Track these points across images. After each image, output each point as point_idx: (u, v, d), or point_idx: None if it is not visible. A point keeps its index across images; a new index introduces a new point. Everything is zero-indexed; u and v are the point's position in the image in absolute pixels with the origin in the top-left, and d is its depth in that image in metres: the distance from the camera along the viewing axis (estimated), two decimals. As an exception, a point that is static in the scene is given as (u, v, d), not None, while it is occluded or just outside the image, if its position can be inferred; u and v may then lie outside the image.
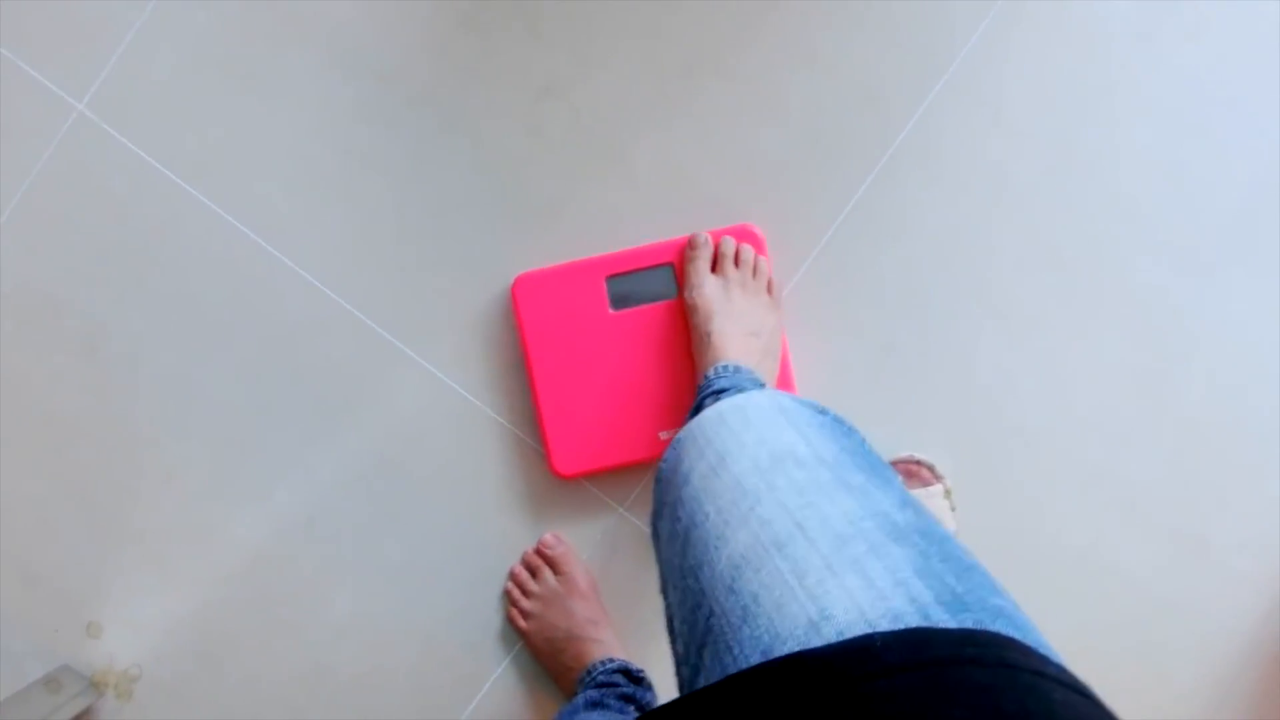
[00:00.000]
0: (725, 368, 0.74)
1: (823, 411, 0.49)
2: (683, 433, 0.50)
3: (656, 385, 0.83)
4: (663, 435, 0.83)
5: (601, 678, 0.78)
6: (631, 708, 0.76)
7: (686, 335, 0.82)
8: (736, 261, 0.81)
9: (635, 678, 0.79)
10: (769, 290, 0.81)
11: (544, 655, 0.84)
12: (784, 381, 0.83)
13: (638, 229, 0.84)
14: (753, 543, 0.38)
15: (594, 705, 0.74)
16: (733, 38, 0.82)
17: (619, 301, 0.83)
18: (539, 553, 0.85)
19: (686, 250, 0.82)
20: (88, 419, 0.88)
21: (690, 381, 0.82)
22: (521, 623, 0.85)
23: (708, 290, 0.79)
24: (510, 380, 0.86)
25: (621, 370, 0.82)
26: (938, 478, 0.85)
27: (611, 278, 0.83)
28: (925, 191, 0.84)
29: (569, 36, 0.82)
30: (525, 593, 0.85)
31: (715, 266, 0.81)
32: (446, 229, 0.85)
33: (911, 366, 0.86)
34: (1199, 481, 0.86)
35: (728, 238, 0.81)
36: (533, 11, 0.82)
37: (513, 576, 0.86)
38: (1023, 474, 0.86)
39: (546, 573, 0.85)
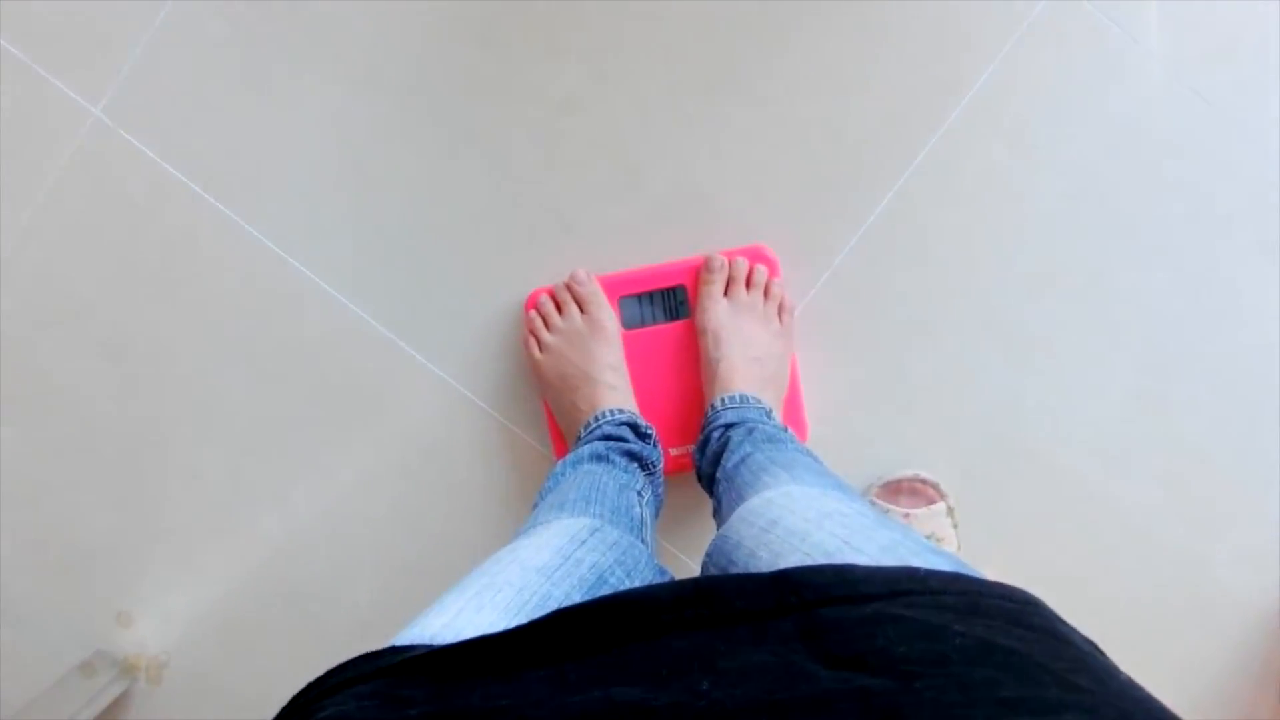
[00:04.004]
0: (732, 398, 0.81)
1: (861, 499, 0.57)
2: (725, 527, 0.58)
3: (667, 404, 0.90)
4: (673, 452, 0.91)
5: (609, 428, 0.80)
6: (636, 466, 0.79)
7: (698, 356, 0.89)
8: (749, 284, 0.87)
9: (643, 434, 0.82)
10: (780, 316, 0.88)
11: (553, 391, 0.87)
12: (792, 404, 0.91)
13: (651, 246, 0.91)
14: (803, 560, 0.45)
15: (599, 459, 0.76)
16: (753, 57, 0.87)
17: (631, 321, 0.90)
18: (568, 287, 0.88)
19: (701, 272, 0.88)
20: (114, 420, 0.97)
21: (701, 401, 0.89)
22: (537, 353, 0.87)
23: (719, 315, 0.86)
24: (523, 389, 0.94)
25: (633, 387, 0.89)
26: (941, 496, 0.93)
27: (624, 297, 0.90)
28: (939, 215, 0.90)
29: (588, 53, 0.88)
30: (548, 325, 0.87)
31: (727, 289, 0.87)
32: (462, 243, 0.92)
33: (919, 387, 0.93)
34: (1198, 502, 0.94)
35: (740, 259, 0.87)
36: (552, 27, 0.87)
37: (537, 307, 0.88)
38: (1025, 494, 0.95)
39: (573, 309, 0.87)
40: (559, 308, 0.89)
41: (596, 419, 0.82)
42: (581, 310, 0.88)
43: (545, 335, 0.88)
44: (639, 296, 0.90)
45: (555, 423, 0.92)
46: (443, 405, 0.96)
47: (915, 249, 0.91)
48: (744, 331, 0.86)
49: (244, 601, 1.01)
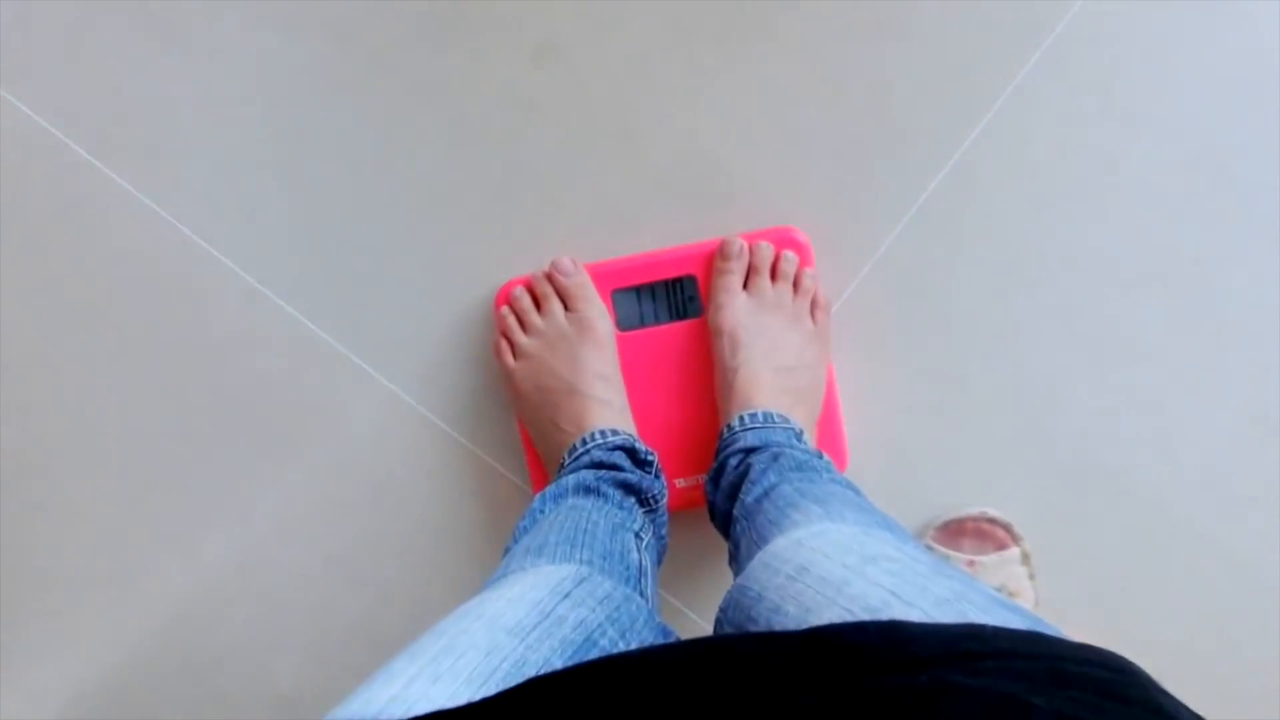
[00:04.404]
0: (753, 417, 0.81)
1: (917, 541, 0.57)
2: (743, 575, 0.58)
3: (673, 424, 0.90)
4: (680, 483, 0.91)
5: (600, 454, 0.80)
6: (633, 500, 0.78)
7: (711, 364, 0.89)
8: (774, 275, 0.88)
9: (642, 460, 0.82)
10: (813, 314, 0.88)
11: (530, 407, 0.87)
12: (829, 424, 0.91)
13: (652, 228, 0.91)
14: (841, 615, 0.46)
15: (587, 491, 0.76)
16: (778, -7, 0.87)
17: (628, 320, 0.90)
18: (549, 279, 0.88)
19: (716, 260, 0.88)
20: (-24, 444, 0.96)
21: (714, 420, 0.89)
22: (510, 360, 0.87)
23: (737, 313, 0.86)
24: (493, 405, 0.94)
25: (630, 404, 0.89)
26: (1015, 539, 0.93)
27: (619, 291, 0.90)
28: (1010, 191, 0.90)
29: (572, -13, 0.88)
30: (524, 326, 0.88)
31: (747, 281, 0.88)
32: (415, 223, 0.92)
33: (985, 404, 0.93)
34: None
35: (764, 243, 0.88)
36: (527, -44, 0.87)
37: (511, 303, 0.88)
38: (1119, 539, 0.94)
39: (555, 305, 0.87)
40: (538, 304, 0.89)
41: (584, 442, 0.82)
42: (566, 307, 0.88)
43: (521, 338, 0.88)
44: (638, 290, 0.90)
45: (532, 447, 0.91)
46: (392, 425, 0.95)
47: (980, 232, 0.91)
48: (768, 333, 0.87)
49: (139, 673, 1.00)
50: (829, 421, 0.91)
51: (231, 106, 0.92)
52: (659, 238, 0.91)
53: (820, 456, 0.79)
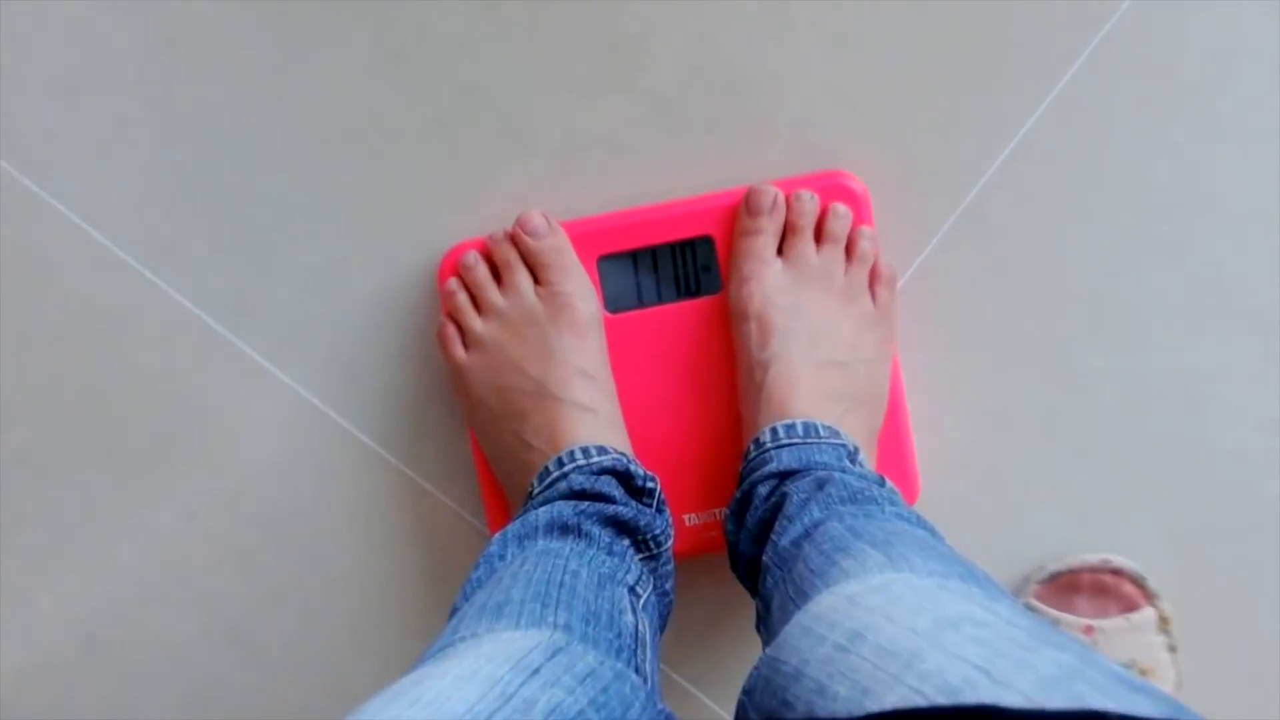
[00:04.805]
0: (790, 429, 0.80)
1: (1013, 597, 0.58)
2: (775, 644, 0.57)
3: (681, 438, 0.89)
4: (690, 520, 0.89)
5: (581, 479, 0.79)
6: (627, 543, 0.79)
7: (732, 357, 0.88)
8: (820, 236, 0.86)
9: (638, 488, 0.82)
10: (872, 289, 0.86)
11: (487, 416, 0.88)
12: (893, 439, 0.89)
13: (654, 175, 0.89)
14: (910, 698, 0.44)
15: (564, 531, 0.76)
16: None
17: (620, 298, 0.88)
18: (514, 241, 0.87)
19: (740, 216, 0.86)
20: None
21: (737, 433, 0.88)
22: (460, 353, 0.88)
23: (769, 287, 0.84)
24: (432, 414, 0.93)
25: (623, 412, 0.87)
26: (1148, 598, 0.91)
27: (608, 258, 0.88)
28: (1143, 121, 0.88)
29: None
30: (479, 305, 0.88)
31: (783, 245, 0.86)
32: (330, 165, 0.90)
33: (1107, 412, 0.91)
34: None
35: (806, 193, 0.85)
36: None
37: (461, 274, 0.89)
38: None
39: (522, 278, 0.87)
40: (498, 275, 0.88)
41: (560, 463, 0.81)
42: (536, 279, 0.87)
43: (474, 322, 0.87)
44: (634, 256, 0.89)
45: (488, 470, 0.91)
46: (297, 440, 0.95)
47: (1099, 180, 0.89)
48: (811, 316, 0.85)
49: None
50: (893, 436, 0.90)
51: (81, 10, 0.90)
52: (663, 186, 0.90)
53: (881, 483, 0.78)
